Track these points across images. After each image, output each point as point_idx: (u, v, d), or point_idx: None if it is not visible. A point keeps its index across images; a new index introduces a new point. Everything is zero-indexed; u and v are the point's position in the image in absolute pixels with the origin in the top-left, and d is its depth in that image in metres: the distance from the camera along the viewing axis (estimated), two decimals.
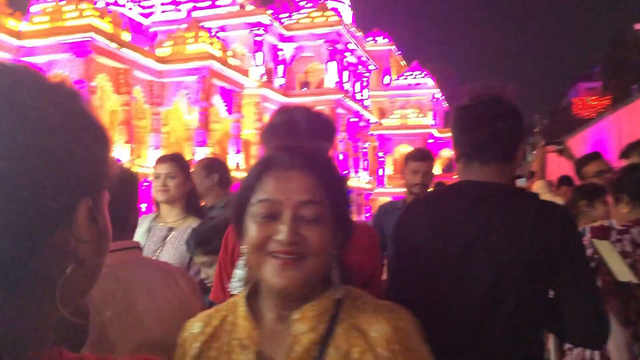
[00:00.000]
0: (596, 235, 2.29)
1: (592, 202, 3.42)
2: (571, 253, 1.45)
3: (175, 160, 3.08)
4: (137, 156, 21.03)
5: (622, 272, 1.85)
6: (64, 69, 18.04)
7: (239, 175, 21.31)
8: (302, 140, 1.57)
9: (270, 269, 0.97)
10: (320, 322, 1.00)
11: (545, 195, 4.24)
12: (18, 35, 17.77)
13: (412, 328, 1.00)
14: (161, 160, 3.13)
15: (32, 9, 21.30)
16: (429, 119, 37.96)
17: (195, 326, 1.12)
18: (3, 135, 0.50)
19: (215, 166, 3.52)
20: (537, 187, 4.32)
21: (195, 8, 26.61)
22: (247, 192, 1.03)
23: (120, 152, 19.22)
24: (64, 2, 18.26)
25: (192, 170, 3.43)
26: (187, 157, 19.13)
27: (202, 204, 3.42)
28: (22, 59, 17.95)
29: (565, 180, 5.01)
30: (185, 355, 1.09)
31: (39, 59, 18.13)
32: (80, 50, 17.46)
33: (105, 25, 18.09)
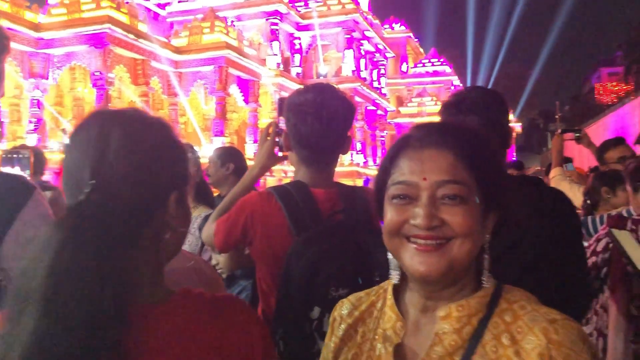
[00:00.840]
0: (612, 224, 2.25)
1: (614, 189, 3.35)
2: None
3: (189, 149, 3.16)
4: (187, 142, 21.17)
5: None
6: (82, 60, 18.20)
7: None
8: (327, 120, 1.54)
9: (409, 255, 0.91)
10: (468, 324, 0.90)
11: (563, 183, 4.18)
12: (36, 27, 17.94)
13: (573, 342, 0.83)
14: None
15: (50, 0, 21.49)
16: None
17: (345, 307, 1.08)
18: (135, 153, 0.85)
19: (231, 155, 3.52)
20: (553, 174, 4.25)
21: None
22: (383, 175, 0.97)
23: None
24: None
25: (207, 159, 3.49)
26: (205, 147, 19.15)
27: (217, 193, 3.47)
28: (41, 50, 18.15)
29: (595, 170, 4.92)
30: (332, 334, 1.06)
31: (57, 51, 18.30)
32: (98, 41, 17.58)
33: (122, 17, 18.17)
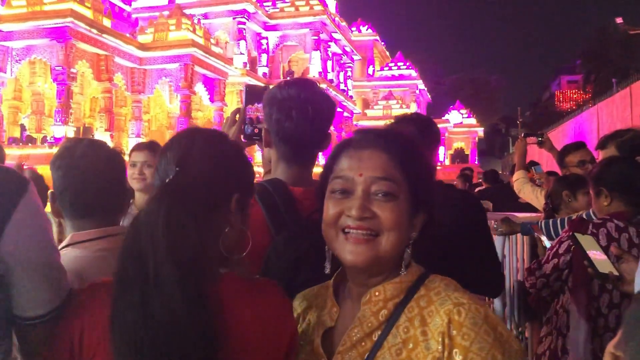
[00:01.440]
0: (575, 228, 2.31)
1: (574, 193, 3.44)
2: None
3: (151, 148, 3.09)
4: (118, 144, 20.79)
5: (603, 264, 1.87)
6: (42, 54, 17.71)
7: None
8: (313, 116, 1.53)
9: (341, 245, 1.00)
10: (384, 308, 0.99)
11: (525, 186, 4.27)
12: None
13: (474, 323, 0.89)
14: (137, 148, 3.15)
15: None
16: (412, 110, 38.05)
17: (298, 298, 1.19)
18: (211, 156, 1.08)
19: None
20: (517, 176, 4.34)
21: None
22: (326, 172, 1.08)
23: (100, 139, 18.96)
24: None
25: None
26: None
27: None
28: (0, 43, 17.59)
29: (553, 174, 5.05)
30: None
31: (16, 44, 17.76)
32: (60, 35, 17.13)
33: (86, 11, 17.76)
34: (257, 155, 23.83)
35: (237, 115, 1.76)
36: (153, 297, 0.89)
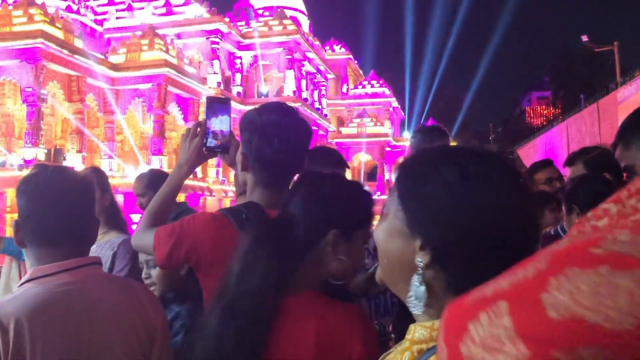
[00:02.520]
0: (547, 244, 2.33)
1: (541, 209, 3.49)
2: None
3: (92, 173, 3.09)
4: (90, 165, 20.49)
5: None
6: (12, 75, 17.46)
7: (196, 184, 21.02)
8: (294, 143, 1.56)
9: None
10: (410, 350, 0.85)
11: None
12: None
13: None
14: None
15: None
16: (386, 128, 38.39)
17: None
18: (310, 200, 1.31)
19: (160, 178, 3.41)
20: None
21: (150, 15, 26.21)
22: None
23: (72, 161, 18.68)
24: (12, 7, 17.68)
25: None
26: (143, 165, 18.66)
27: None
28: None
29: None
30: None
31: None
32: (30, 56, 16.92)
33: (56, 32, 17.60)
34: (210, 171, 23.66)
35: (199, 129, 1.75)
36: (230, 318, 1.20)
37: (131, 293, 1.45)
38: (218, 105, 1.69)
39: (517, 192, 0.82)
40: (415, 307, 0.87)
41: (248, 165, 1.61)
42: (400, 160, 0.95)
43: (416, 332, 0.85)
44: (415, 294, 0.87)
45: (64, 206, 1.36)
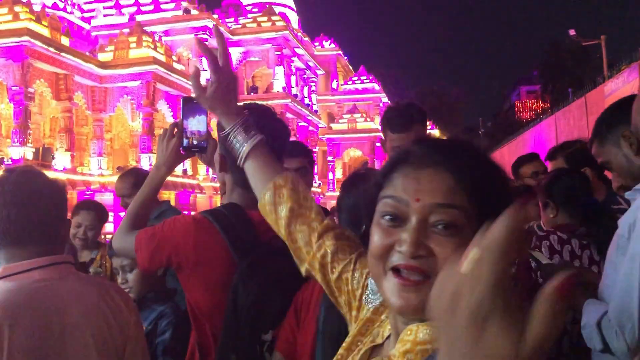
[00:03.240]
0: None
1: None
2: None
3: (95, 210, 3.37)
4: (80, 164, 20.36)
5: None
6: None
7: (186, 181, 20.94)
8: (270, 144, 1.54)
9: (389, 286, 0.81)
10: (413, 352, 0.80)
11: None
12: None
13: None
14: (84, 207, 3.39)
15: None
16: (376, 124, 38.43)
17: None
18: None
19: (144, 178, 3.39)
20: None
21: (138, 12, 26.02)
22: (375, 190, 0.87)
23: (61, 160, 18.54)
24: None
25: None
26: (132, 163, 18.59)
27: None
28: None
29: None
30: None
31: None
32: (16, 54, 16.74)
33: (43, 29, 17.43)
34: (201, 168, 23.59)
35: (176, 129, 1.77)
36: None
37: (103, 291, 1.46)
38: (195, 105, 1.67)
39: None
40: (371, 302, 0.89)
41: (226, 166, 1.62)
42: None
43: (419, 332, 0.81)
44: (370, 287, 0.90)
45: (31, 207, 1.38)
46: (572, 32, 25.33)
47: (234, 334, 1.43)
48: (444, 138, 0.91)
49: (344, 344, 0.98)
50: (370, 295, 0.93)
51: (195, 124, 1.68)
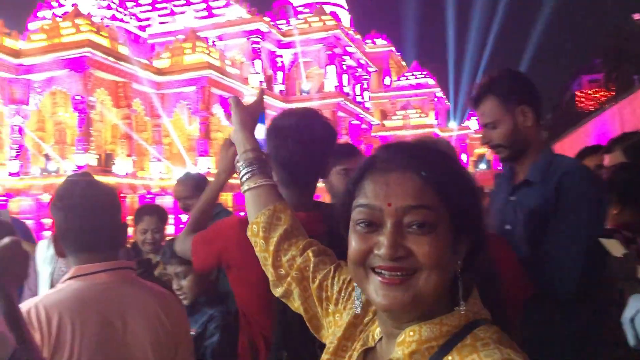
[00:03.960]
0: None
1: None
2: None
3: (156, 213, 3.47)
4: (140, 169, 21.02)
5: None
6: (62, 85, 18.07)
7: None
8: (309, 143, 1.59)
9: (373, 288, 0.84)
10: (419, 352, 0.83)
11: None
12: (16, 53, 17.81)
13: None
14: (146, 213, 3.48)
15: (30, 26, 21.36)
16: (431, 119, 37.88)
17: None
18: None
19: (204, 182, 3.64)
20: None
21: (192, 18, 26.62)
22: (347, 198, 0.90)
23: (122, 165, 19.18)
24: (61, 18, 18.28)
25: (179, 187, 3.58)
26: (190, 168, 19.08)
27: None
28: (21, 77, 17.98)
29: None
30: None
31: (37, 77, 18.16)
32: (78, 65, 17.47)
33: (102, 40, 18.10)
34: None
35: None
36: None
37: (160, 297, 1.56)
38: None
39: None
40: (357, 307, 0.95)
41: (271, 167, 1.67)
42: None
43: (423, 332, 0.83)
44: (356, 293, 0.94)
45: (98, 216, 1.51)
46: (636, 16, 24.15)
47: (284, 331, 1.45)
48: (409, 141, 0.95)
49: (329, 348, 1.01)
50: (357, 301, 0.96)
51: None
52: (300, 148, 1.59)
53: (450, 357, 0.79)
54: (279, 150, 1.62)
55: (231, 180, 1.89)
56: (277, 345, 1.49)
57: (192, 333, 1.86)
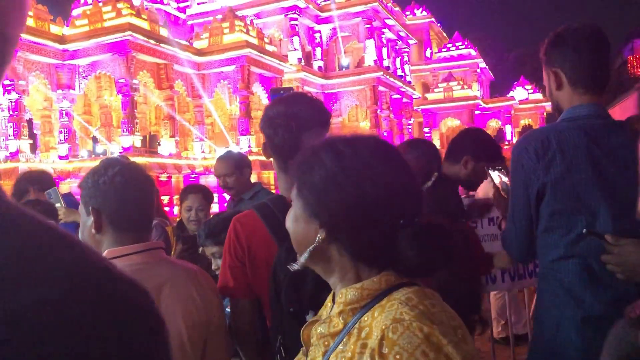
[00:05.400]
0: None
1: None
2: None
3: (201, 192, 3.53)
4: (184, 149, 21.36)
5: None
6: (106, 68, 18.42)
7: None
8: (296, 130, 1.66)
9: None
10: (345, 312, 0.96)
11: None
12: (61, 39, 18.21)
13: (409, 343, 0.82)
14: (191, 192, 3.55)
15: (74, 12, 21.79)
16: (474, 91, 37.01)
17: None
18: None
19: (242, 161, 3.67)
20: None
21: None
22: None
23: (166, 146, 19.54)
24: (102, 3, 18.56)
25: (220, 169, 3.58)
26: (232, 147, 19.16)
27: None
28: (66, 62, 18.43)
29: None
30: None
31: (82, 61, 18.57)
32: (120, 49, 17.76)
33: (143, 23, 18.31)
34: None
35: None
36: None
37: (192, 275, 1.59)
38: (281, 94, 1.91)
39: (390, 168, 0.97)
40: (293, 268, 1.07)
41: (268, 152, 1.77)
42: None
43: (348, 294, 0.97)
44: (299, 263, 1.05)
45: (135, 200, 1.54)
46: None
47: (278, 316, 1.49)
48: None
49: None
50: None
51: None
52: (290, 136, 1.66)
53: (365, 317, 0.92)
54: (272, 140, 1.70)
55: (271, 159, 1.89)
56: (273, 329, 1.54)
57: (227, 310, 1.86)
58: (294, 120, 1.66)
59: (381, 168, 0.95)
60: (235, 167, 3.56)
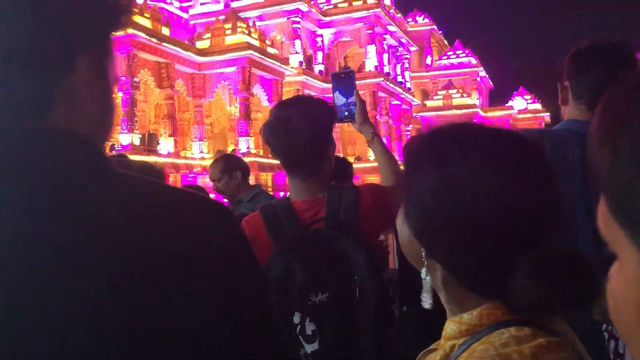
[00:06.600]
0: None
1: None
2: None
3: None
4: (182, 148, 21.37)
5: None
6: None
7: None
8: (298, 135, 1.63)
9: None
10: (443, 348, 0.79)
11: None
12: None
13: None
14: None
15: None
16: (473, 99, 37.12)
17: None
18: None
19: (232, 163, 3.61)
20: None
21: None
22: None
23: (165, 145, 19.54)
24: None
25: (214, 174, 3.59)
26: (230, 147, 19.18)
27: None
28: None
29: None
30: None
31: None
32: (122, 47, 17.76)
33: (145, 21, 18.33)
34: None
35: None
36: None
37: None
38: (342, 78, 1.92)
39: (501, 176, 0.73)
40: (425, 302, 0.83)
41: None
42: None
43: (448, 327, 0.80)
44: (423, 287, 0.84)
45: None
46: None
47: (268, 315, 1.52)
48: None
49: None
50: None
51: (343, 95, 1.90)
52: (284, 139, 1.65)
53: (463, 356, 0.73)
54: (271, 145, 1.69)
55: (270, 160, 1.90)
56: None
57: None
58: (284, 125, 1.65)
59: (496, 180, 0.72)
60: (222, 171, 3.53)
